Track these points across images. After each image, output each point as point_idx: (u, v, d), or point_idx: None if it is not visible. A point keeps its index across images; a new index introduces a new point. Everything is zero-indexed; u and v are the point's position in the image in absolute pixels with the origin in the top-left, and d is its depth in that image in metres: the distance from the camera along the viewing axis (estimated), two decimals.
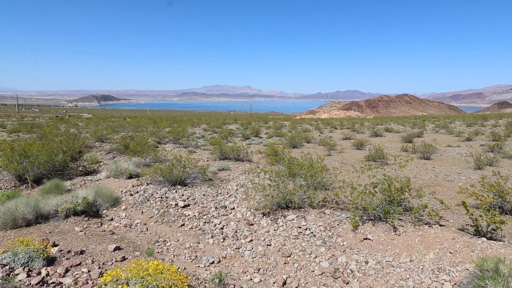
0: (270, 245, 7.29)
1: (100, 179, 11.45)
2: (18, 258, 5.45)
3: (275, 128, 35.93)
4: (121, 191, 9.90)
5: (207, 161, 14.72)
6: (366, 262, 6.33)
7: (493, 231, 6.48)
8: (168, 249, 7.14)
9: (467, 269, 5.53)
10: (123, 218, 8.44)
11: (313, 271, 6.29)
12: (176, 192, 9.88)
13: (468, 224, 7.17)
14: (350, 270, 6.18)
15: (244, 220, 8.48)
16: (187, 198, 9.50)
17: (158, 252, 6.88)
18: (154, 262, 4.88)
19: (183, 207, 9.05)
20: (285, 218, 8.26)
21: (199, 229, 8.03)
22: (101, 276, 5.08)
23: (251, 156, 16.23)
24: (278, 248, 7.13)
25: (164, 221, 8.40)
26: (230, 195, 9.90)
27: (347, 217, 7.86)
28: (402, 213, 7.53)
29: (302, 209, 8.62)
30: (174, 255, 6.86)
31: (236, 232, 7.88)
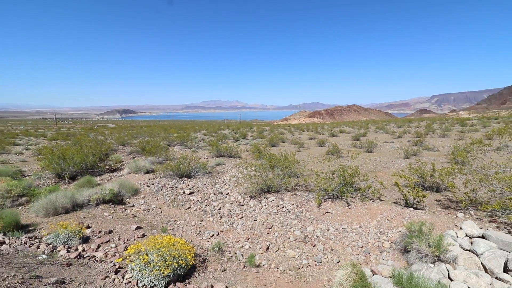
0: (256, 220, 7.29)
1: (123, 175, 11.16)
2: (59, 238, 5.29)
3: (258, 132, 35.83)
4: (140, 183, 9.69)
5: (207, 158, 14.55)
6: (328, 230, 6.42)
7: (417, 203, 6.68)
8: (178, 226, 7.04)
9: (400, 231, 5.69)
10: (142, 204, 8.26)
11: (289, 238, 6.34)
12: (183, 183, 9.74)
13: (400, 199, 7.35)
14: (316, 236, 6.26)
15: (236, 202, 8.44)
16: (192, 187, 9.38)
17: (171, 229, 6.79)
18: (167, 237, 4.82)
19: (189, 194, 8.94)
20: (267, 199, 8.27)
21: (202, 210, 7.95)
22: (126, 250, 4.99)
23: (240, 153, 16.14)
24: (262, 222, 7.14)
25: (174, 205, 8.27)
26: (225, 184, 9.83)
27: (313, 197, 7.93)
28: (353, 192, 7.67)
29: (279, 192, 8.65)
30: (183, 231, 6.78)
31: (230, 211, 7.85)
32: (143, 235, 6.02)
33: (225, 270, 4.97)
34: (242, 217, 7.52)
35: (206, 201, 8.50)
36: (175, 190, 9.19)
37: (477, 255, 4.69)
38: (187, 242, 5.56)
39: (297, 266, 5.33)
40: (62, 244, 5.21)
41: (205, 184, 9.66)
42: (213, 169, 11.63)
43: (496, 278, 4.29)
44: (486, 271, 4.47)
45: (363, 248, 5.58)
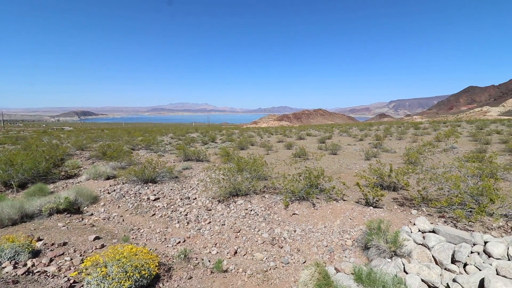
0: (224, 225, 7.20)
1: (81, 181, 10.36)
2: (4, 253, 4.75)
3: (227, 135, 35.64)
4: (100, 190, 9.07)
5: (174, 162, 14.09)
6: (295, 231, 6.55)
7: (376, 202, 7.09)
8: (141, 235, 6.69)
9: (361, 229, 5.98)
10: (102, 213, 7.73)
11: (257, 240, 6.35)
12: (148, 188, 9.31)
13: (361, 198, 7.73)
14: (283, 237, 6.35)
15: (204, 207, 8.26)
16: (157, 193, 9.00)
17: (133, 238, 6.43)
18: (128, 246, 4.56)
19: (154, 200, 8.56)
20: (235, 203, 8.21)
21: (168, 217, 7.66)
22: (82, 263, 4.62)
23: (209, 157, 15.90)
24: (230, 226, 7.06)
25: (138, 212, 7.86)
26: (192, 188, 9.58)
27: (280, 199, 8.04)
28: (318, 193, 7.92)
29: (248, 195, 8.64)
30: (147, 239, 6.46)
31: (198, 217, 7.66)
32: (102, 246, 5.62)
33: (191, 277, 4.81)
34: (210, 222, 7.38)
35: (172, 207, 8.20)
36: (138, 196, 8.74)
37: (429, 249, 5.09)
38: (151, 250, 5.30)
39: (264, 269, 5.35)
40: (8, 260, 4.66)
41: (171, 189, 9.32)
42: (180, 173, 11.28)
43: (445, 269, 4.69)
44: (436, 263, 4.87)
45: (327, 247, 5.77)
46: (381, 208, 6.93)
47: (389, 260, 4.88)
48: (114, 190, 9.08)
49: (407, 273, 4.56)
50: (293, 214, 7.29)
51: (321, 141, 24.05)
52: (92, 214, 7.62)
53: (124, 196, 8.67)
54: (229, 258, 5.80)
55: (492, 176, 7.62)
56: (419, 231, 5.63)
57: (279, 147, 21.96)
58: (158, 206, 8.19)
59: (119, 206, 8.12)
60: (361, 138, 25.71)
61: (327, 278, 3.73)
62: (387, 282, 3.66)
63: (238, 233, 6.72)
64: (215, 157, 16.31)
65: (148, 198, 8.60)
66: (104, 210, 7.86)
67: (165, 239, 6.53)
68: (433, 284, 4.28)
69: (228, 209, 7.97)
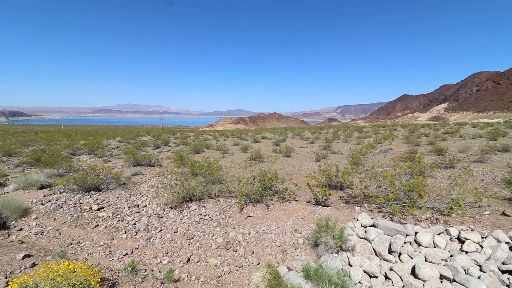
0: (177, 232, 6.91)
1: (8, 192, 8.97)
2: None
3: (182, 138, 34.48)
4: (32, 202, 7.97)
5: (122, 168, 13.10)
6: (249, 233, 6.58)
7: (325, 201, 7.53)
8: (82, 249, 6.05)
9: (311, 227, 6.28)
10: (33, 227, 6.79)
11: (211, 246, 6.23)
12: (90, 197, 8.46)
13: (312, 198, 8.12)
14: (238, 241, 6.34)
15: (155, 214, 7.83)
16: (102, 202, 8.24)
17: (72, 253, 5.77)
18: (65, 263, 4.08)
19: (97, 210, 7.81)
20: (189, 208, 7.95)
21: (113, 227, 7.06)
22: (7, 286, 3.99)
23: (161, 161, 15.17)
24: (183, 233, 6.81)
25: (78, 224, 7.09)
26: (142, 195, 9.00)
27: (235, 202, 8.02)
28: (272, 195, 8.10)
29: (202, 200, 8.45)
30: (88, 254, 5.85)
31: (148, 225, 7.21)
32: (34, 265, 4.94)
33: None
34: (161, 230, 7.01)
35: (118, 216, 7.59)
36: (79, 206, 7.90)
37: (370, 242, 5.56)
38: (92, 266, 4.84)
39: (218, 274, 5.26)
40: None
41: (118, 197, 8.63)
42: (128, 179, 10.53)
43: (383, 259, 5.16)
44: (376, 254, 5.34)
45: (280, 247, 5.93)
46: (329, 206, 7.38)
47: (336, 255, 5.20)
48: (50, 201, 8.06)
49: (351, 266, 4.91)
50: (248, 216, 7.33)
51: (275, 144, 24.74)
52: (21, 229, 6.64)
53: (61, 207, 7.76)
54: (182, 266, 5.57)
55: (421, 174, 8.70)
56: (361, 226, 6.12)
57: (235, 150, 21.99)
58: (102, 216, 7.51)
59: (55, 219, 7.23)
60: (312, 141, 27.14)
61: (278, 278, 3.83)
62: (332, 276, 3.90)
63: (192, 240, 6.51)
64: (168, 162, 15.65)
65: (91, 208, 7.82)
66: (36, 224, 6.92)
67: (110, 251, 6.00)
68: (373, 274, 4.68)
69: (181, 215, 7.68)
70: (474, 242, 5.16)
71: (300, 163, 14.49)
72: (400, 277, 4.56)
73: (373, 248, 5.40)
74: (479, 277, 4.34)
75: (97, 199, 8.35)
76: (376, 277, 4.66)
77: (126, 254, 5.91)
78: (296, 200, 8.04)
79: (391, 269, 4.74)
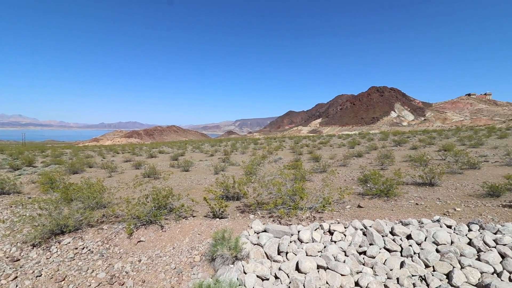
0: (40, 276, 5.43)
1: None
2: None
3: (54, 156, 28.08)
4: None
5: None
6: (139, 261, 5.89)
7: (222, 213, 7.63)
8: None
9: (209, 242, 6.18)
10: None
11: (90, 285, 5.20)
12: None
13: (209, 211, 8.06)
14: (125, 272, 5.55)
15: (7, 258, 5.95)
16: None
17: None
18: None
19: None
20: (59, 243, 6.43)
21: None
22: None
23: (21, 187, 11.86)
24: (51, 276, 5.42)
25: None
26: None
27: (123, 227, 7.06)
28: (167, 214, 7.60)
29: (79, 230, 7.04)
30: None
31: None
32: None
33: None
34: (15, 277, 5.37)
35: None
36: None
37: (262, 246, 5.94)
38: None
39: None
40: None
41: None
42: None
43: (274, 260, 5.60)
44: (267, 257, 5.73)
45: (176, 269, 5.55)
46: (226, 218, 7.50)
47: (232, 265, 5.29)
48: None
49: (246, 273, 5.09)
50: (139, 241, 6.57)
51: (174, 158, 23.62)
52: None
53: None
54: None
55: (302, 179, 10.08)
56: (255, 232, 6.49)
57: (125, 167, 19.66)
58: None
59: None
60: (212, 153, 27.37)
61: None
62: None
63: (62, 282, 5.25)
64: (32, 187, 12.44)
65: None
66: None
67: None
68: (265, 277, 4.99)
69: (49, 253, 6.13)
70: (340, 232, 6.31)
71: (199, 176, 14.27)
72: (287, 274, 5.05)
73: (265, 252, 5.78)
74: (344, 261, 5.30)
75: None
76: (268, 279, 5.00)
77: None
78: (193, 216, 7.79)
79: (279, 269, 5.19)
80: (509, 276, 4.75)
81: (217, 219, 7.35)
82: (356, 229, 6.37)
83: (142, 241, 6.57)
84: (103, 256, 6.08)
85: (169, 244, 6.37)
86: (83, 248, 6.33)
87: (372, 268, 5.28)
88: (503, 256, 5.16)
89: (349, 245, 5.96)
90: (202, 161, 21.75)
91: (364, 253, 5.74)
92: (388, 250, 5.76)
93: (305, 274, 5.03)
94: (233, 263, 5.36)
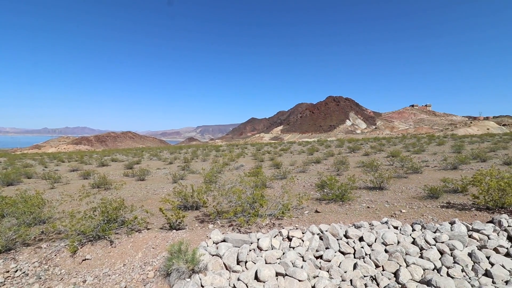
0: None
1: None
2: None
3: None
4: None
5: None
6: (84, 281, 5.34)
7: (179, 224, 7.29)
8: None
9: (164, 256, 5.85)
10: None
11: None
12: None
13: (166, 223, 7.66)
14: None
15: None
16: None
17: None
18: None
19: None
20: None
21: None
22: None
23: None
24: None
25: None
26: None
27: (66, 245, 6.36)
28: (118, 228, 7.05)
29: (12, 251, 6.19)
30: None
31: None
32: None
33: None
34: None
35: None
36: None
37: (221, 257, 5.80)
38: None
39: None
40: None
41: None
42: None
43: (233, 271, 5.49)
44: (226, 268, 5.61)
45: None
46: (183, 229, 7.19)
47: (189, 279, 5.06)
48: None
49: (203, 286, 4.91)
50: (84, 260, 5.97)
51: (128, 167, 22.20)
52: None
53: None
54: None
55: (262, 186, 10.16)
56: (214, 243, 6.32)
57: (71, 177, 17.90)
58: None
59: None
60: (171, 161, 26.29)
61: None
62: None
63: None
64: None
65: None
66: None
67: None
68: None
69: None
70: (298, 238, 6.45)
71: (156, 186, 13.56)
72: (246, 284, 4.99)
73: (223, 263, 5.65)
74: (302, 267, 5.41)
75: None
76: None
77: None
78: (148, 229, 7.33)
79: (238, 279, 5.10)
80: (447, 271, 5.30)
81: (174, 230, 7.02)
82: (313, 234, 6.57)
83: (87, 259, 5.98)
84: (40, 279, 5.40)
85: (119, 261, 5.88)
86: (16, 271, 5.57)
87: (328, 271, 5.48)
88: (441, 252, 5.76)
89: (307, 250, 6.12)
90: (160, 169, 20.77)
91: (321, 257, 5.94)
92: (342, 253, 6.05)
93: (264, 282, 5.02)
94: (189, 276, 5.13)
